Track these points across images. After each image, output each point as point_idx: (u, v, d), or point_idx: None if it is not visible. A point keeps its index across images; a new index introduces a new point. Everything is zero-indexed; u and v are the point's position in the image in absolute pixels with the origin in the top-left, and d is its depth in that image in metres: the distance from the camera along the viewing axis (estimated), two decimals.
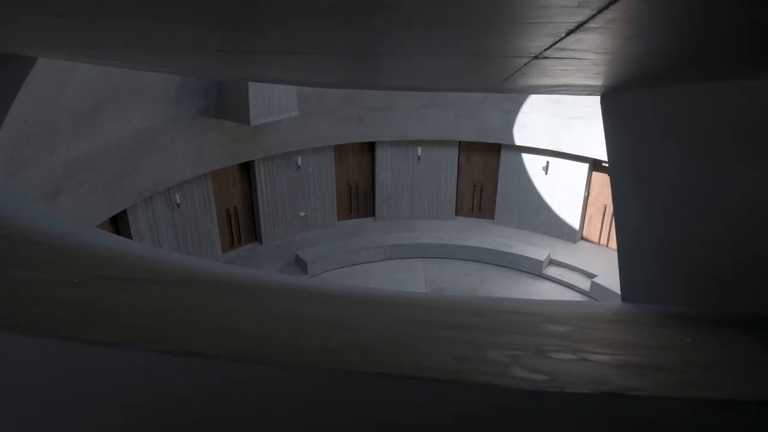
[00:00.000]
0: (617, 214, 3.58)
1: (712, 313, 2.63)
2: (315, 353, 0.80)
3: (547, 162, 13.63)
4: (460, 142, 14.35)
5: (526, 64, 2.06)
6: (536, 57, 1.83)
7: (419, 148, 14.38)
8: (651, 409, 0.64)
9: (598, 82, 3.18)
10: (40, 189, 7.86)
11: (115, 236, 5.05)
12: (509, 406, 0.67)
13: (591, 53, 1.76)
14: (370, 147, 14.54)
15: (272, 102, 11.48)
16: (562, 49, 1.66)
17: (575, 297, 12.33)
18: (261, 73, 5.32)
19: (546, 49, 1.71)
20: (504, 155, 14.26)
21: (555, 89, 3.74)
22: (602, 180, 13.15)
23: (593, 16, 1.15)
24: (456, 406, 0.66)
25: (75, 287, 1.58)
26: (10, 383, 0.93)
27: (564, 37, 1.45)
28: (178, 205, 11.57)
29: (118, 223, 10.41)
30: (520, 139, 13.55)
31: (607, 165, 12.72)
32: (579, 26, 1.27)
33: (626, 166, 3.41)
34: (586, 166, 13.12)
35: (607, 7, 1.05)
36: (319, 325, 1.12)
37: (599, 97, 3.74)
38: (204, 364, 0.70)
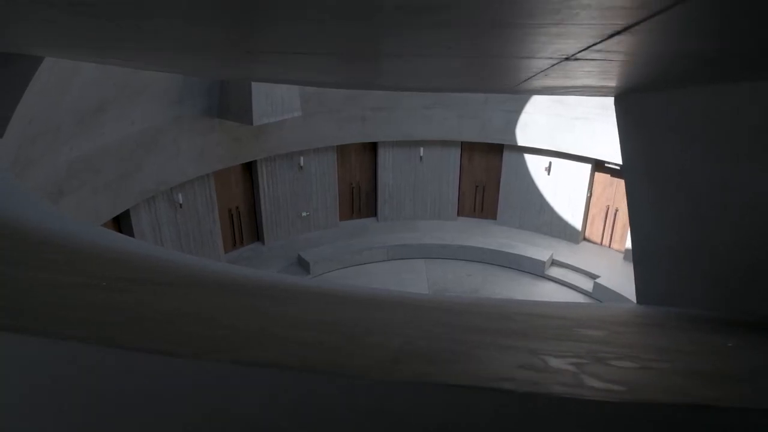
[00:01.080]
0: (632, 216, 3.57)
1: (730, 315, 2.62)
2: (381, 363, 0.78)
3: (550, 162, 13.62)
4: (462, 142, 14.33)
5: (553, 65, 2.05)
6: (567, 59, 1.81)
7: (421, 149, 14.37)
8: (747, 423, 0.62)
9: (615, 83, 3.17)
10: (43, 189, 7.83)
11: (125, 236, 5.02)
12: (598, 419, 0.65)
13: (625, 55, 1.74)
14: (372, 147, 14.52)
15: (275, 102, 11.46)
16: (599, 51, 1.64)
17: (578, 297, 12.32)
18: (261, 73, 5.29)
19: (581, 51, 1.70)
20: (506, 155, 14.26)
21: (570, 91, 3.73)
22: (605, 180, 13.16)
23: (647, 18, 1.13)
24: (544, 421, 0.64)
25: (105, 291, 1.56)
26: (59, 390, 0.91)
27: (605, 39, 1.43)
28: (180, 205, 11.53)
29: (121, 224, 10.37)
30: (522, 139, 13.54)
31: (609, 165, 12.74)
32: (627, 28, 1.26)
33: (641, 167, 3.40)
34: (588, 167, 13.12)
35: (666, 9, 1.04)
36: (368, 331, 1.10)
37: (613, 98, 3.73)
38: (277, 375, 0.68)
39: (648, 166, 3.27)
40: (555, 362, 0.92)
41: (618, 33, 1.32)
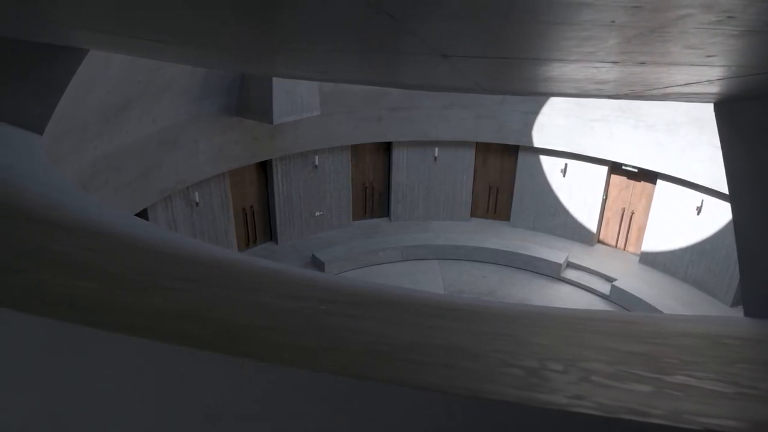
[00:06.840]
0: (738, 226, 3.50)
1: None
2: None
3: (566, 164, 13.61)
4: (476, 143, 14.26)
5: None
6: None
7: (436, 149, 14.27)
8: None
9: (716, 89, 3.09)
10: None
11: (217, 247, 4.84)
12: None
13: None
14: (387, 147, 14.40)
15: (295, 101, 11.28)
16: None
17: (595, 300, 12.33)
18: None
19: None
20: (521, 157, 14.22)
21: (676, 96, 3.64)
22: (621, 183, 13.18)
23: None
24: None
25: (344, 319, 1.43)
26: None
27: None
28: (197, 203, 11.33)
29: None
30: (539, 140, 13.51)
31: (626, 168, 12.69)
32: None
33: (751, 176, 3.33)
34: (605, 169, 13.13)
35: None
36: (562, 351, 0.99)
37: (712, 105, 3.66)
38: None
39: (760, 176, 3.20)
40: None
41: None
